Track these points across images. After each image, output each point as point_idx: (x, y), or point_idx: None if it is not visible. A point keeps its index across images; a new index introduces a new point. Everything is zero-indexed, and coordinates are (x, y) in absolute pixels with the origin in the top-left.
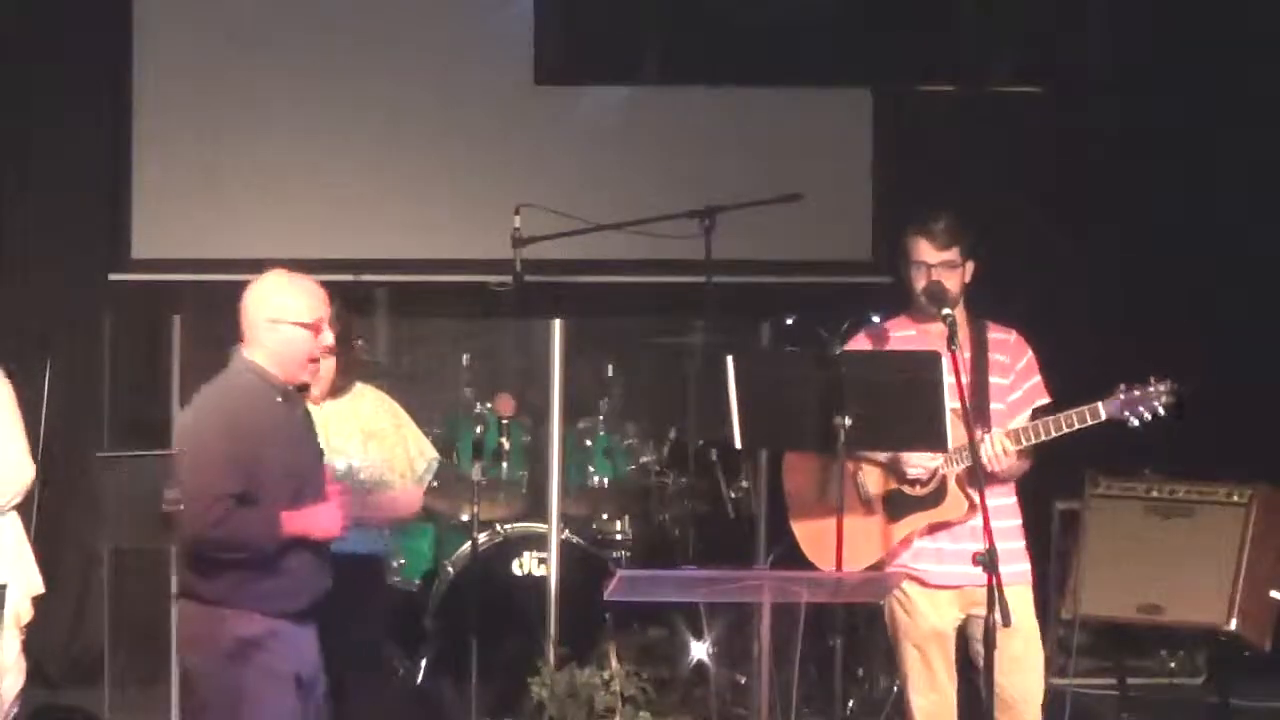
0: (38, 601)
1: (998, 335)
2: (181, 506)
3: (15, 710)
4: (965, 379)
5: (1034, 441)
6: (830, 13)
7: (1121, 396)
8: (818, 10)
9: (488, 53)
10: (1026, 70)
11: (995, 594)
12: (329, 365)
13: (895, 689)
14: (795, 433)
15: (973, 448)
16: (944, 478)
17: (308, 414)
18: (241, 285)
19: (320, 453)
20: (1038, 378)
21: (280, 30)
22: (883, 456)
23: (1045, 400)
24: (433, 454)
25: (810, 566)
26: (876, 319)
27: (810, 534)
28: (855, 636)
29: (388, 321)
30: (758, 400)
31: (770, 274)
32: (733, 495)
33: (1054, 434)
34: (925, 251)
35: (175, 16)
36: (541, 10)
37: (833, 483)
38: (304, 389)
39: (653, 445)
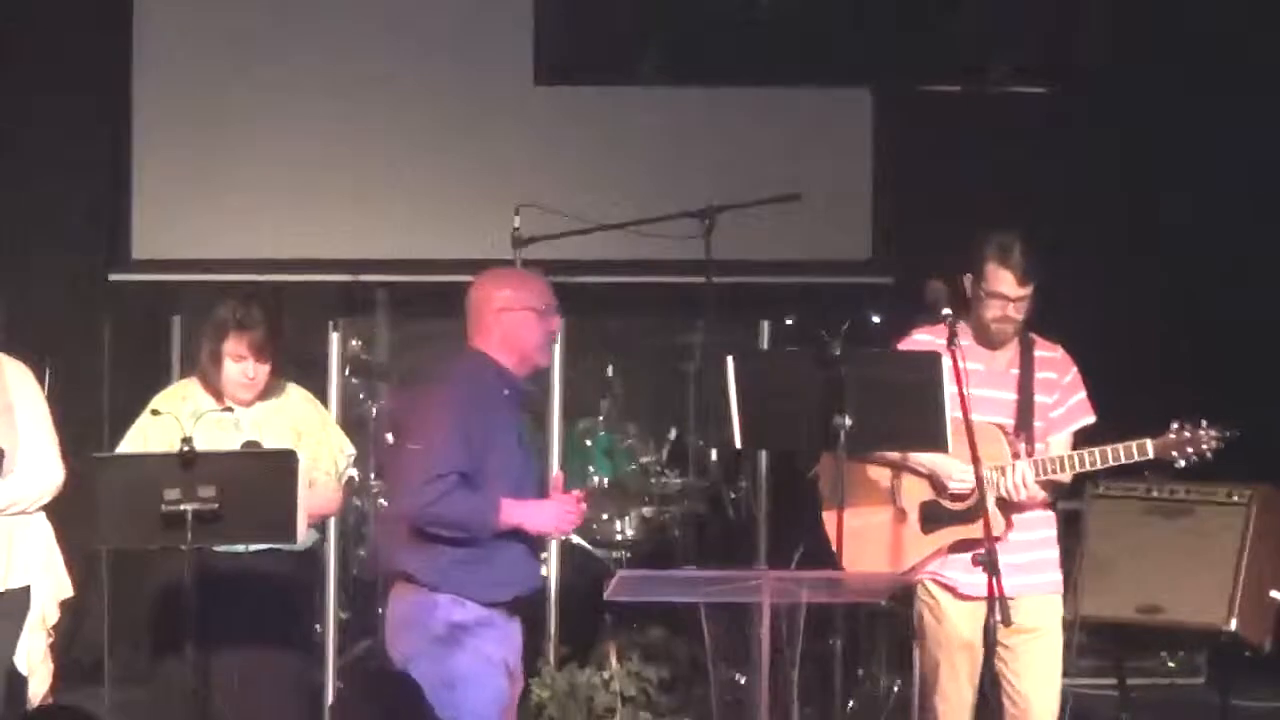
0: (65, 605)
1: (1044, 353)
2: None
3: None
4: (1013, 396)
5: (1068, 472)
6: (830, 13)
7: (1172, 436)
8: (818, 10)
9: (488, 53)
10: (1026, 70)
11: (995, 595)
12: (262, 371)
13: (895, 689)
14: (795, 433)
15: (972, 448)
16: (984, 495)
17: (526, 411)
18: (242, 285)
19: (532, 450)
20: (1082, 394)
21: (280, 30)
22: (926, 468)
23: (1089, 419)
24: (350, 449)
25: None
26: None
27: (844, 537)
28: (855, 636)
29: (388, 321)
30: (758, 400)
31: (770, 274)
32: (733, 495)
33: (1098, 466)
34: (1007, 284)
35: (175, 17)
36: (541, 10)
37: (872, 487)
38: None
39: (653, 445)
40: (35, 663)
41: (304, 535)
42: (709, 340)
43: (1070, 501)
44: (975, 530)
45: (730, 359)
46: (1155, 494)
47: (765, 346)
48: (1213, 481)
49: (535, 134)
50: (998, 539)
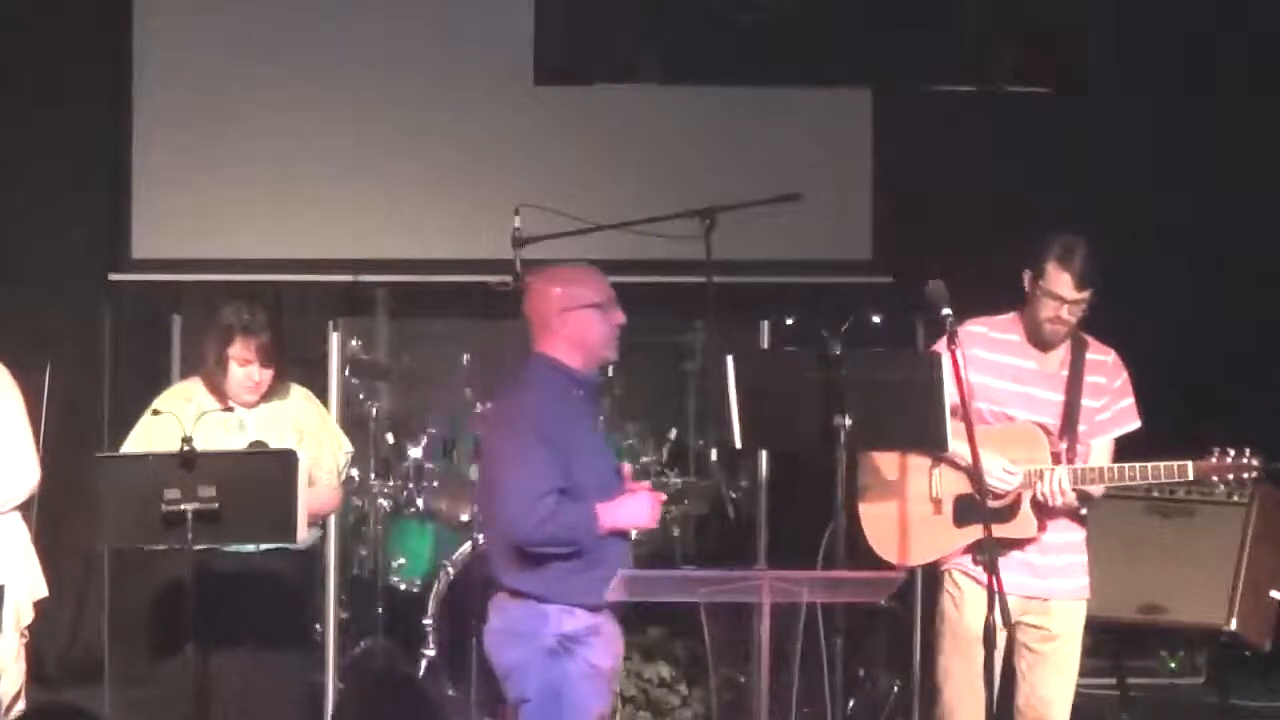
0: (39, 605)
1: (1096, 356)
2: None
3: (19, 710)
4: (1060, 398)
5: (1104, 484)
6: (830, 13)
7: (1214, 461)
8: (818, 10)
9: (488, 53)
10: (1026, 70)
11: (995, 594)
12: (267, 375)
13: (895, 689)
14: (795, 433)
15: (973, 449)
16: (1019, 496)
17: (599, 407)
18: (241, 285)
19: (608, 445)
20: (1130, 400)
21: (280, 30)
22: (966, 461)
23: (1136, 425)
24: (350, 447)
25: (871, 554)
26: (877, 319)
27: (875, 521)
28: (855, 636)
29: (388, 321)
30: (758, 400)
31: (770, 274)
32: (733, 495)
33: (1136, 480)
34: (1066, 288)
35: (175, 17)
36: (541, 10)
37: (909, 475)
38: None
39: (653, 445)
40: (7, 662)
41: (305, 535)
42: (709, 340)
43: None
44: (1008, 530)
45: (730, 359)
46: (1155, 494)
47: (765, 346)
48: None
49: (535, 134)
50: (1031, 540)
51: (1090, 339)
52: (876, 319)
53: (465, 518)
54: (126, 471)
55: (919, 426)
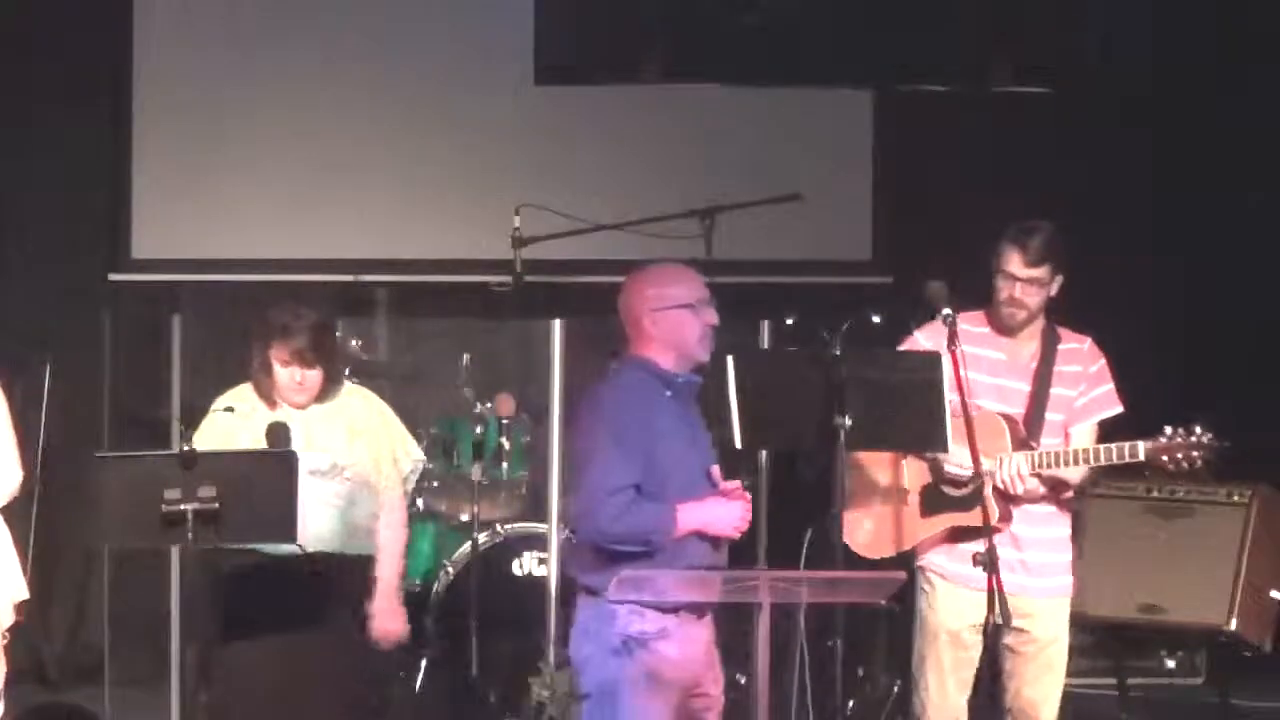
0: (21, 608)
1: (1069, 345)
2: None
3: None
4: (1028, 388)
5: (1062, 468)
6: (830, 13)
7: (1164, 441)
8: (818, 10)
9: (488, 53)
10: (1026, 70)
11: (996, 595)
12: (315, 377)
13: (896, 689)
14: (795, 433)
15: (972, 449)
16: (982, 484)
17: (697, 409)
18: (241, 285)
19: (707, 448)
20: (1109, 386)
21: (280, 30)
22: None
23: (1116, 410)
24: (419, 455)
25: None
26: (877, 319)
27: (851, 517)
28: (855, 636)
29: (388, 321)
30: (758, 400)
31: (770, 274)
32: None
33: (1087, 464)
34: (1015, 264)
35: (175, 17)
36: (541, 10)
37: (880, 469)
38: (700, 370)
39: None
40: None
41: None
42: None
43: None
44: (972, 518)
45: (730, 359)
46: (1155, 494)
47: (765, 346)
48: (1212, 481)
49: (535, 134)
50: (996, 530)
51: (1064, 330)
52: (876, 319)
53: (465, 518)
54: (126, 471)
55: (919, 426)
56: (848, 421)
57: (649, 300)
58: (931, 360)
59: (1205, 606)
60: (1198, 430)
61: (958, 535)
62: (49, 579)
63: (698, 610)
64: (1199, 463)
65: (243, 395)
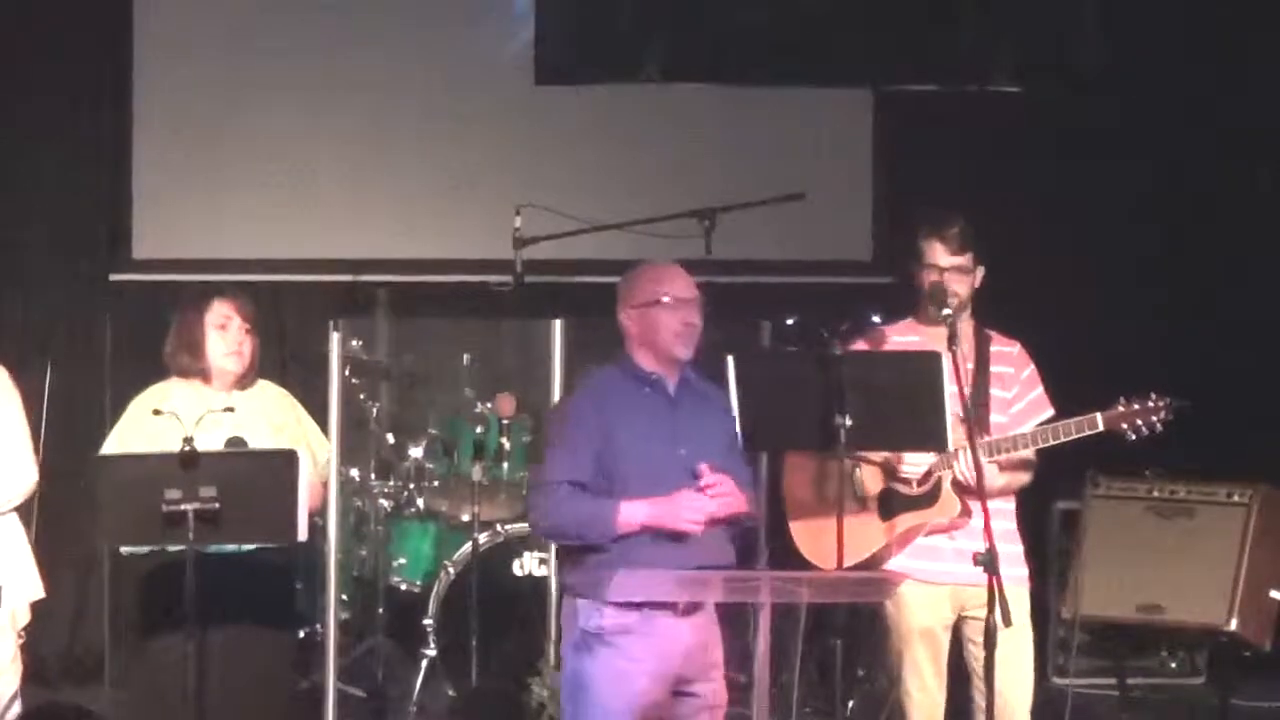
0: (36, 607)
1: (1001, 347)
2: None
3: (15, 712)
4: (966, 389)
5: (1018, 452)
6: (830, 13)
7: (1120, 409)
8: (818, 10)
9: (488, 53)
10: (1026, 70)
11: (996, 594)
12: (250, 346)
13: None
14: (795, 433)
15: (973, 449)
16: (939, 480)
17: (674, 408)
18: (241, 285)
19: (703, 445)
20: (1040, 390)
21: (280, 30)
22: (879, 455)
23: (1049, 413)
24: (328, 445)
25: (804, 562)
26: (877, 319)
27: (806, 531)
28: (855, 636)
29: (388, 321)
30: (758, 400)
31: (770, 274)
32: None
33: (1049, 443)
34: (938, 254)
35: (175, 16)
36: (541, 10)
37: (831, 480)
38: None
39: None
40: (4, 664)
41: (305, 534)
42: (709, 340)
43: (1070, 501)
44: (931, 515)
45: (730, 359)
46: (1155, 494)
47: (765, 346)
48: (1213, 481)
49: (535, 134)
50: (957, 526)
51: (994, 333)
52: (876, 319)
53: (466, 518)
54: (127, 471)
55: (919, 426)
56: (848, 421)
57: (625, 298)
58: (932, 360)
59: (1205, 606)
60: (1152, 396)
61: (913, 531)
62: (49, 579)
63: (673, 608)
64: (1159, 427)
65: (164, 393)
